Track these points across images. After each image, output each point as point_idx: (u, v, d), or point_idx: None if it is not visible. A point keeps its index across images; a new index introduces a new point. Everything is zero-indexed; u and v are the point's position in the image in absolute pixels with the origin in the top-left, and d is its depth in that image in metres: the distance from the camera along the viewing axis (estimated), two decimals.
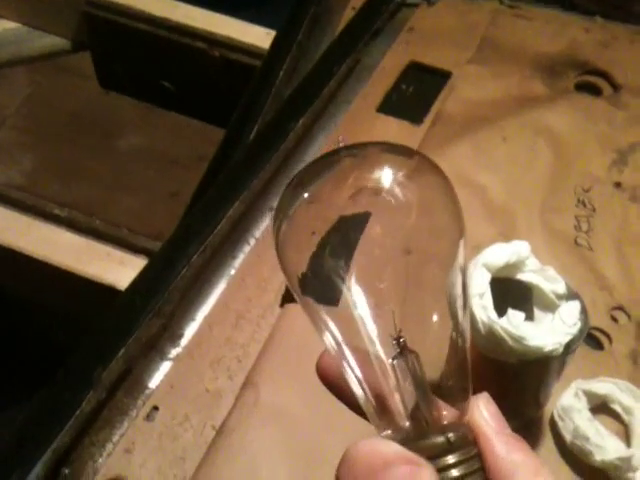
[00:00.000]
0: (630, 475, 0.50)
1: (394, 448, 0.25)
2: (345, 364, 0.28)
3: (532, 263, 0.48)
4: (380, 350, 0.27)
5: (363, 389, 0.28)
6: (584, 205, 0.72)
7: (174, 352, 0.57)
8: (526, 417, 0.55)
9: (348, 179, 0.30)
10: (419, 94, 0.83)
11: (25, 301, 0.75)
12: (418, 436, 0.26)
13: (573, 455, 0.53)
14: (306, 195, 0.30)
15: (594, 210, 0.72)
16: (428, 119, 0.80)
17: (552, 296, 0.47)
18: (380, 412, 0.28)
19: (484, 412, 0.27)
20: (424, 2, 0.95)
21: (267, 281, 0.63)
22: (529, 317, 0.48)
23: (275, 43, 0.83)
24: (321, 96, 0.77)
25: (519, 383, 0.50)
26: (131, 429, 0.53)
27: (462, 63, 0.86)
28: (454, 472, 0.25)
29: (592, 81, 0.86)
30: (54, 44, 1.03)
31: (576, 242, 0.69)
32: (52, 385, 0.50)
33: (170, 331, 0.58)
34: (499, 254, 0.47)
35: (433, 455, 0.25)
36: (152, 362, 0.56)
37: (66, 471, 0.50)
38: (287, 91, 0.80)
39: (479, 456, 0.26)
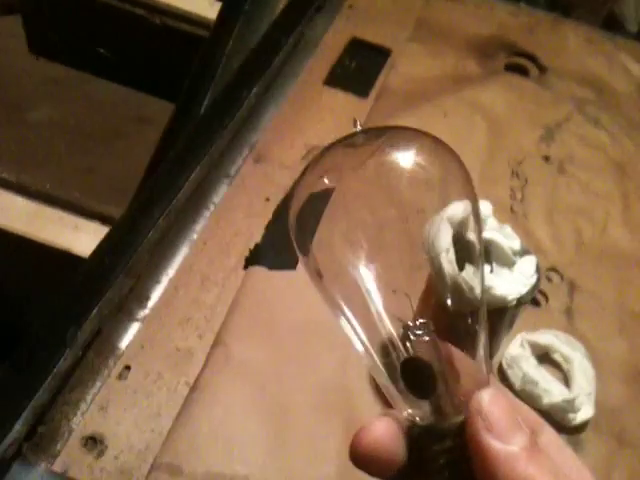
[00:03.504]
0: (572, 416, 0.56)
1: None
2: (366, 347, 0.29)
3: (491, 222, 0.53)
4: (396, 332, 0.28)
5: (384, 373, 0.28)
6: (517, 176, 0.78)
7: (142, 313, 0.58)
8: None
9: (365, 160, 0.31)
10: (362, 69, 0.86)
11: None
12: (438, 417, 0.27)
13: (521, 400, 0.58)
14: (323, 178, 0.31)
15: (526, 181, 0.77)
16: (373, 93, 0.83)
17: (509, 252, 0.52)
18: (401, 394, 0.28)
19: (482, 417, 0.26)
20: None
21: (229, 244, 0.64)
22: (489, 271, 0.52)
23: (222, 12, 0.83)
24: (271, 67, 0.79)
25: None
26: (104, 388, 0.53)
27: (401, 41, 0.90)
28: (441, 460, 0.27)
29: (520, 62, 0.92)
30: None
31: (512, 209, 0.74)
32: (26, 344, 0.50)
33: (137, 293, 0.58)
34: (461, 210, 0.51)
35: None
36: (120, 323, 0.57)
37: (42, 430, 0.50)
38: (236, 62, 0.81)
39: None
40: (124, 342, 0.56)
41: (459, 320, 0.32)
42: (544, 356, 0.60)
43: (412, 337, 0.28)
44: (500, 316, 0.52)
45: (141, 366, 0.55)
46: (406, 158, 0.31)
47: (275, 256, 0.64)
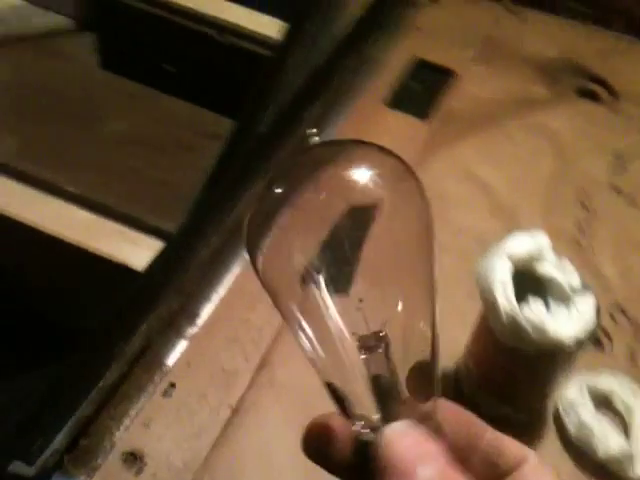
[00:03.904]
0: (630, 471, 0.52)
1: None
2: (316, 353, 0.28)
3: (549, 255, 0.50)
4: (351, 342, 0.27)
5: (333, 380, 0.28)
6: (584, 207, 0.75)
7: (190, 331, 0.58)
8: (531, 408, 0.57)
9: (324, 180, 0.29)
10: (425, 90, 0.85)
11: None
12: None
13: (576, 448, 0.55)
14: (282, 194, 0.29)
15: (594, 212, 0.74)
16: (434, 115, 0.82)
17: (567, 288, 0.49)
18: (350, 404, 0.28)
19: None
20: (428, 1, 0.97)
21: None
22: (545, 308, 0.50)
23: (288, 33, 0.84)
24: (332, 87, 0.79)
25: (531, 373, 0.52)
26: (149, 404, 0.53)
27: (466, 62, 0.88)
28: None
29: (591, 87, 0.88)
30: (58, 23, 1.02)
31: (577, 242, 0.71)
32: (75, 356, 0.50)
33: (187, 310, 0.59)
34: (522, 245, 0.49)
35: None
36: (169, 340, 0.57)
37: (84, 442, 0.50)
38: (298, 80, 0.81)
39: None
40: (171, 359, 0.56)
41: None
42: (604, 402, 0.57)
43: (363, 351, 0.27)
44: (556, 358, 0.50)
45: (186, 384, 0.55)
46: (360, 175, 0.29)
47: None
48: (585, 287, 0.50)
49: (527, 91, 0.87)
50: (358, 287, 0.28)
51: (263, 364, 0.57)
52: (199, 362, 0.56)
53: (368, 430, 0.27)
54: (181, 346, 0.57)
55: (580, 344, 0.48)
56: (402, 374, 0.27)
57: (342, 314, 0.27)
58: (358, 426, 0.27)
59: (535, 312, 0.46)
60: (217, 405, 0.54)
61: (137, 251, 0.65)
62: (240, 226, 0.64)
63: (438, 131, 0.80)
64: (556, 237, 0.71)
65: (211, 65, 0.95)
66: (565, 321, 0.47)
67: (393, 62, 0.87)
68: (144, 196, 0.91)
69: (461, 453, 0.26)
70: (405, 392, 0.27)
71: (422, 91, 0.85)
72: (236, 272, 0.62)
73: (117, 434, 0.52)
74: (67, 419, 0.48)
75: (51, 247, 0.66)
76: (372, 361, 0.27)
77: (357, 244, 0.29)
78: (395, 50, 0.89)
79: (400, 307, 0.28)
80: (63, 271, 0.68)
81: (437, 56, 0.89)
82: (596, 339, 0.63)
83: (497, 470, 0.27)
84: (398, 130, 0.79)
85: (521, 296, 0.49)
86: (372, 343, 0.27)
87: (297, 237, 0.29)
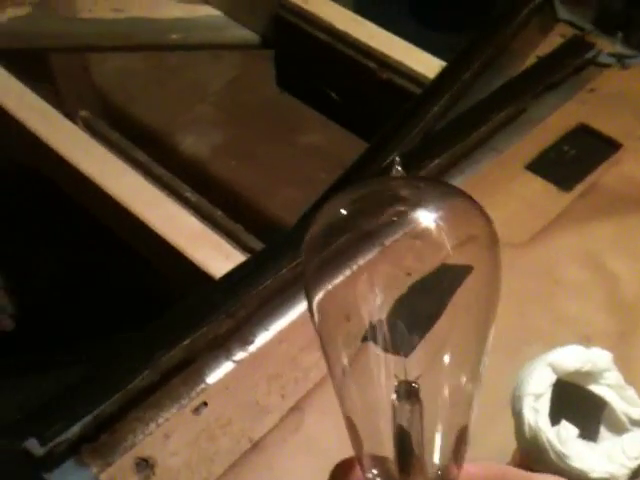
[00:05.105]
0: None
1: None
2: (348, 384, 0.28)
3: (611, 377, 0.43)
4: (385, 387, 0.27)
5: (358, 422, 0.28)
6: None
7: (240, 355, 0.58)
8: None
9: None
10: (579, 160, 0.77)
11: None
12: None
13: None
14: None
15: None
16: (579, 188, 0.74)
17: (624, 419, 0.42)
18: (370, 450, 0.27)
19: None
20: (617, 64, 0.88)
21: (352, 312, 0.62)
22: (593, 434, 0.43)
23: (439, 77, 0.81)
24: (468, 139, 0.74)
25: None
26: (176, 417, 0.54)
27: (637, 137, 0.79)
28: None
29: None
30: (246, 37, 1.08)
31: None
32: (113, 353, 0.53)
33: (242, 333, 0.59)
34: (571, 358, 0.42)
35: None
36: (216, 358, 0.58)
37: (105, 436, 0.53)
38: (438, 126, 0.78)
39: None
40: (212, 378, 0.57)
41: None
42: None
43: (396, 401, 0.27)
44: None
45: (217, 407, 0.55)
46: (436, 236, 0.28)
47: None
48: None
49: None
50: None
51: (297, 407, 0.55)
52: (237, 388, 0.56)
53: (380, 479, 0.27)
54: (226, 367, 0.58)
55: None
56: (430, 432, 0.26)
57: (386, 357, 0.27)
58: (371, 474, 0.27)
59: (563, 433, 0.40)
60: (239, 435, 0.54)
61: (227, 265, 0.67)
62: None
63: (576, 206, 0.72)
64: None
65: (368, 96, 0.95)
66: (601, 453, 0.40)
67: (553, 123, 0.81)
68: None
69: None
70: (429, 451, 0.26)
71: (574, 159, 0.77)
72: (302, 308, 0.61)
73: (139, 437, 0.53)
74: (87, 412, 0.50)
75: (157, 246, 0.70)
76: (403, 409, 0.27)
77: (427, 311, 0.28)
78: (559, 110, 0.82)
79: (445, 364, 0.27)
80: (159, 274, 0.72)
81: (603, 124, 0.80)
82: None
83: None
84: (532, 197, 0.73)
85: (569, 413, 0.43)
86: (408, 391, 0.27)
87: (362, 291, 0.28)
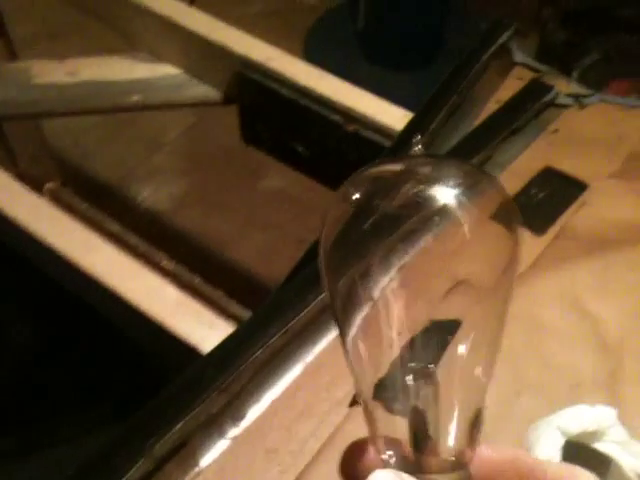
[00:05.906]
0: None
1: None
2: (365, 362, 0.28)
3: (617, 432, 0.43)
4: (401, 369, 0.27)
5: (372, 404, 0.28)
6: None
7: (233, 432, 0.57)
8: None
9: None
10: (549, 202, 0.79)
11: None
12: (416, 468, 0.26)
13: None
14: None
15: None
16: (552, 231, 0.75)
17: (631, 475, 0.42)
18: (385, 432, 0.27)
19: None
20: (575, 104, 0.90)
21: (342, 374, 0.61)
22: None
23: (407, 128, 0.82)
24: None
25: None
26: None
27: (603, 176, 0.81)
28: None
29: None
30: (207, 94, 1.08)
31: None
32: (103, 448, 0.51)
33: (233, 409, 0.57)
34: (577, 420, 0.42)
35: None
36: (209, 437, 0.56)
37: None
38: None
39: None
40: (207, 459, 0.55)
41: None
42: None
43: (412, 383, 0.27)
44: None
45: None
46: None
47: None
48: None
49: None
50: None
51: None
52: (233, 469, 0.55)
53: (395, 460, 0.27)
54: (221, 446, 0.56)
55: None
56: (445, 414, 0.27)
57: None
58: (387, 456, 0.27)
59: None
60: None
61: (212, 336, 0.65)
62: (306, 329, 0.62)
63: (552, 249, 0.73)
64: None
65: (335, 149, 0.96)
66: None
67: (519, 167, 0.82)
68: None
69: None
70: (443, 433, 0.27)
71: (544, 202, 0.79)
72: (294, 374, 0.60)
73: None
74: None
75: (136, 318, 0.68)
76: (419, 390, 0.27)
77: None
78: (524, 154, 0.84)
79: (461, 347, 0.28)
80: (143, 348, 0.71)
81: (569, 165, 0.82)
82: None
83: None
84: None
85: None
86: (424, 372, 0.27)
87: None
